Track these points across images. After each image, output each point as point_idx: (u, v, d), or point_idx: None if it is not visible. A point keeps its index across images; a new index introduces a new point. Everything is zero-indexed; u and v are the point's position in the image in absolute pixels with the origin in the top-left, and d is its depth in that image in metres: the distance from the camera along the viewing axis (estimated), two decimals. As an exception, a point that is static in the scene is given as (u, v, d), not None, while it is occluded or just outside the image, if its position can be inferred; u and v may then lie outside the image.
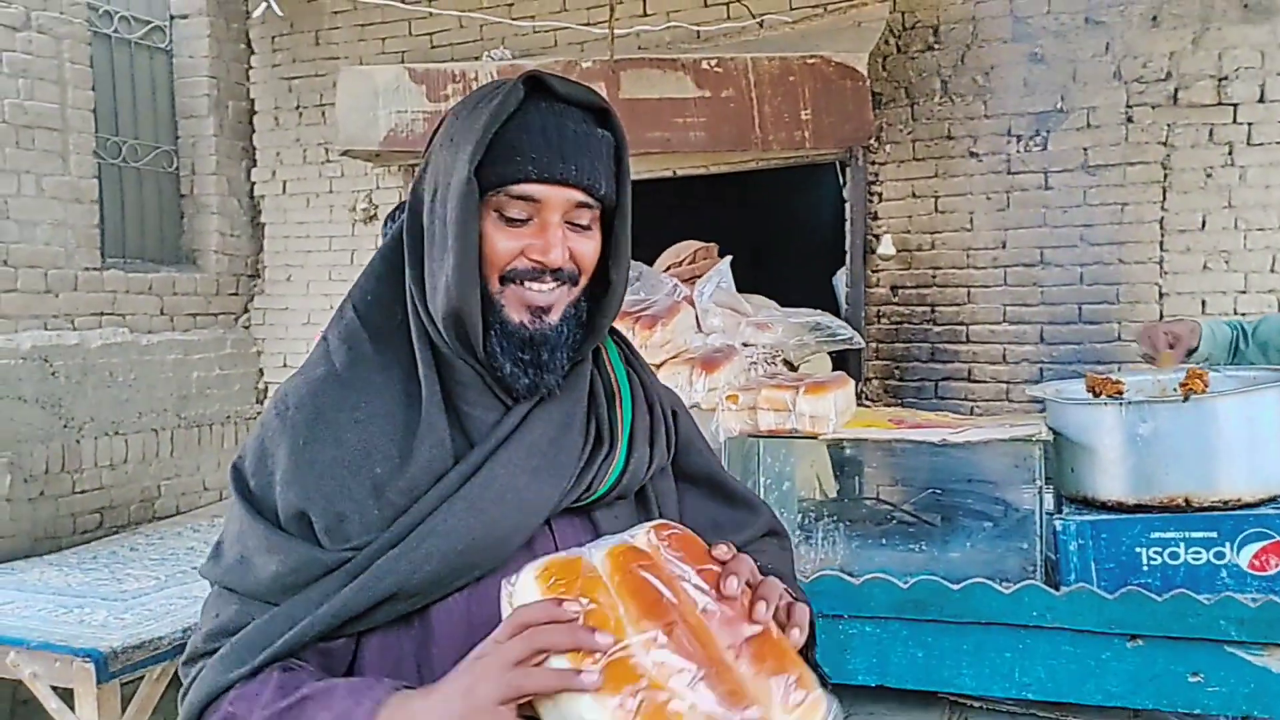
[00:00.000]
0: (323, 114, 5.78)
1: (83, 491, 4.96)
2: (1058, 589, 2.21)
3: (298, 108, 5.91)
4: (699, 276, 3.88)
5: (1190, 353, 2.63)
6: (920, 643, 2.29)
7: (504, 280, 1.17)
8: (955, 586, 2.23)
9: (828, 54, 4.33)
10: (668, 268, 4.07)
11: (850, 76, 4.33)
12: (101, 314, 5.19)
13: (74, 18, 5.03)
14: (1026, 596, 2.19)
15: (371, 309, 1.22)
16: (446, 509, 1.11)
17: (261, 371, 6.03)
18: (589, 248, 1.20)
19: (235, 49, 5.95)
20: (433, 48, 5.57)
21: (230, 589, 1.15)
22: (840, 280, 4.99)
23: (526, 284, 1.17)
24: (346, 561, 1.10)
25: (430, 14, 5.46)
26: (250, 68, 6.01)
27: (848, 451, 2.48)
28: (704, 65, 4.49)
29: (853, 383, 2.31)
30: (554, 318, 1.18)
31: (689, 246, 4.23)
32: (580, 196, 1.16)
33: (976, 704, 2.38)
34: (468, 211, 1.12)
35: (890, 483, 2.53)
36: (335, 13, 5.76)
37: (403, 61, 5.44)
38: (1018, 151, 4.53)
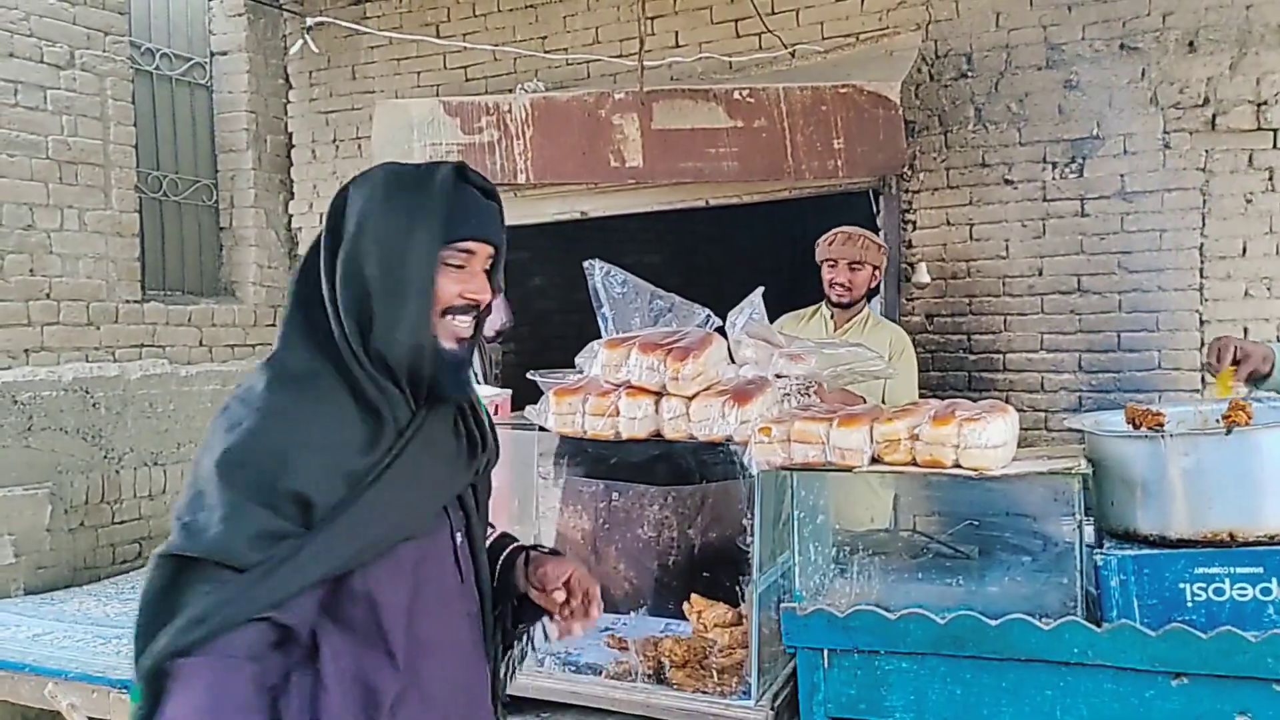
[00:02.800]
0: (359, 147, 5.85)
1: (122, 522, 5.01)
2: (1099, 625, 2.16)
3: (334, 141, 5.99)
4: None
5: (1261, 379, 2.55)
6: (959, 680, 2.25)
7: (442, 314, 1.52)
8: (994, 622, 2.18)
9: (860, 83, 4.32)
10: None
11: (883, 105, 4.32)
12: (141, 345, 5.26)
13: (117, 55, 5.14)
14: (1067, 633, 2.15)
15: (314, 342, 1.51)
16: (386, 486, 1.45)
17: (298, 401, 6.06)
18: (493, 288, 1.58)
19: (274, 84, 6.04)
20: (467, 81, 5.63)
21: (217, 562, 1.35)
22: (875, 308, 4.96)
23: (456, 318, 1.54)
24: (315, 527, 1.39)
25: (465, 48, 5.53)
26: (288, 102, 6.10)
27: (889, 484, 2.45)
28: (736, 95, 4.50)
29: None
30: (468, 342, 1.57)
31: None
32: (491, 250, 1.56)
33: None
34: (429, 266, 1.49)
35: (927, 516, 2.50)
36: (371, 47, 5.84)
37: (437, 94, 5.51)
38: (1053, 179, 4.49)
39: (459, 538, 1.61)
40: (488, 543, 1.75)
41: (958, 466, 2.21)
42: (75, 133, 4.93)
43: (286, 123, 6.10)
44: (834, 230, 3.95)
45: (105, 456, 4.91)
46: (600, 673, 2.56)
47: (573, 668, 2.58)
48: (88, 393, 4.83)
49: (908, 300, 4.75)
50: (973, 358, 4.64)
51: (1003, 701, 2.22)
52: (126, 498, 5.03)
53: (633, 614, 2.89)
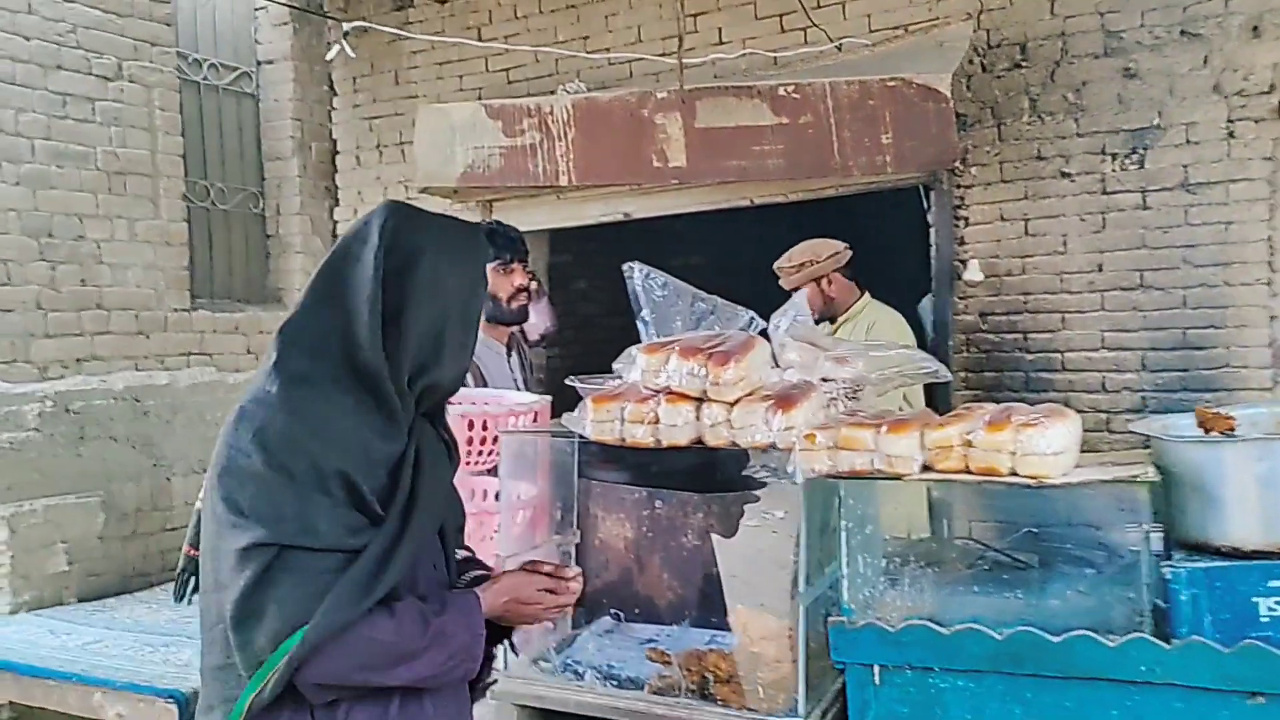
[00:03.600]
0: (402, 152, 5.84)
1: (173, 529, 5.03)
2: (1168, 642, 2.04)
3: (378, 146, 5.99)
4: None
5: None
6: (1018, 699, 2.14)
7: None
8: (1056, 639, 2.07)
9: (909, 75, 4.20)
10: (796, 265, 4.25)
11: (933, 98, 4.19)
12: (190, 354, 5.29)
13: (164, 66, 5.18)
14: (1134, 650, 2.03)
15: (315, 356, 1.63)
16: (419, 480, 1.61)
17: (346, 408, 6.07)
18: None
19: (318, 91, 6.06)
20: (509, 83, 5.59)
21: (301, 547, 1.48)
22: (926, 308, 4.84)
23: None
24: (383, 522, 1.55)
25: (506, 50, 5.49)
26: (333, 109, 6.12)
27: (935, 493, 2.34)
28: (781, 91, 4.40)
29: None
30: None
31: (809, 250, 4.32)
32: None
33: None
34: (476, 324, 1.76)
35: (983, 526, 2.39)
36: (414, 52, 5.83)
37: (480, 98, 5.47)
38: (1113, 170, 4.33)
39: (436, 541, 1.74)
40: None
41: (1014, 474, 2.10)
42: (124, 144, 4.97)
43: (331, 129, 6.11)
44: (778, 264, 4.31)
45: (155, 464, 4.94)
46: (642, 687, 2.48)
47: (614, 682, 2.51)
48: (138, 401, 4.86)
49: (960, 299, 4.61)
50: (1029, 357, 4.49)
51: (1066, 722, 2.11)
52: (177, 505, 5.04)
53: (676, 626, 2.81)
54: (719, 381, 2.34)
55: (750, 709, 2.38)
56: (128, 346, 4.98)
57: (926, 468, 2.18)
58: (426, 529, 1.64)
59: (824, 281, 4.25)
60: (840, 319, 4.28)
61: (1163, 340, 4.26)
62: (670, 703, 2.39)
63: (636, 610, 2.90)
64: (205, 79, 5.68)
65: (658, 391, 2.44)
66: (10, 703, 3.51)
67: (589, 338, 6.90)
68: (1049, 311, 4.46)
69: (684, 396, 2.40)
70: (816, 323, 3.87)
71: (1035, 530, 2.34)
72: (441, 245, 1.65)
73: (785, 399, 2.32)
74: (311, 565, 1.47)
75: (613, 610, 2.89)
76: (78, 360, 4.83)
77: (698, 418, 2.39)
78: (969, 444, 2.14)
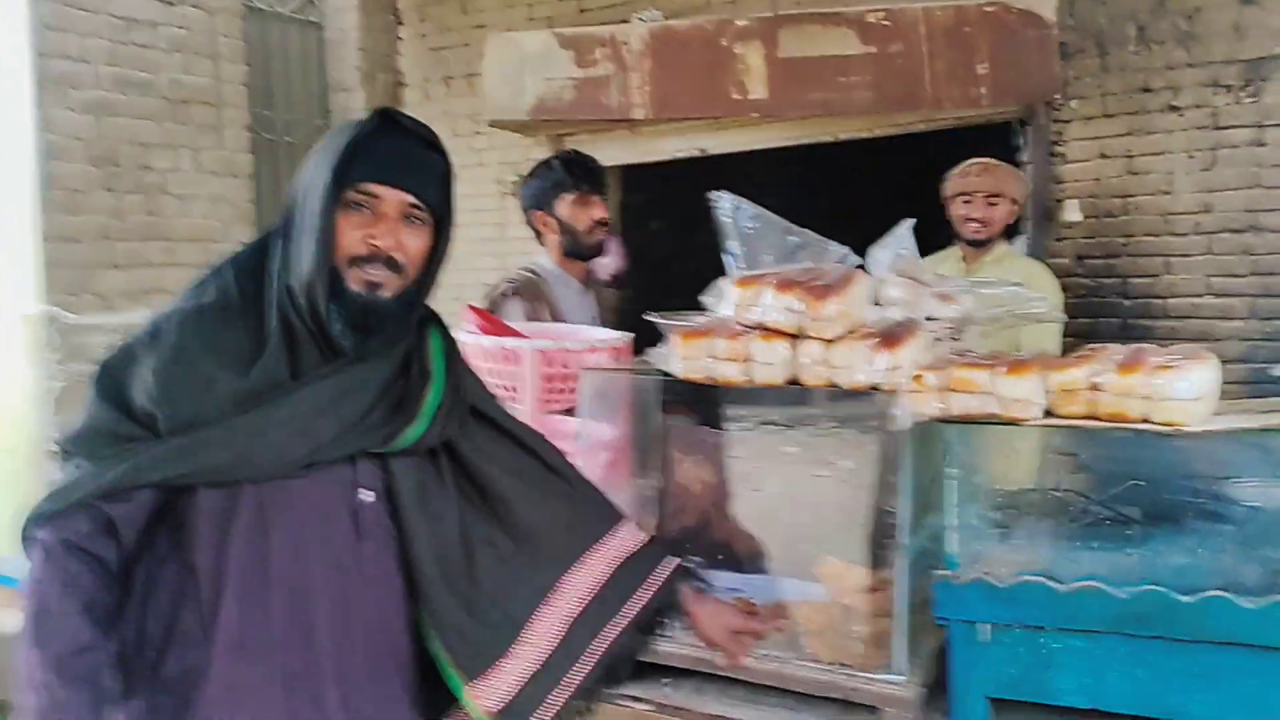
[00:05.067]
0: (470, 84, 5.68)
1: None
2: (1313, 605, 1.86)
3: (446, 79, 5.84)
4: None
5: None
6: (1142, 662, 1.97)
7: (351, 263, 1.54)
8: (1188, 599, 1.90)
9: (1009, 0, 3.93)
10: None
11: (1034, 24, 3.92)
12: (256, 288, 5.22)
13: (228, -9, 5.06)
14: (1277, 613, 1.85)
15: (244, 271, 1.58)
16: (244, 418, 1.48)
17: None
18: (418, 244, 1.59)
19: (384, 20, 5.91)
20: (581, 12, 5.40)
21: (69, 451, 1.51)
22: (1019, 249, 4.60)
23: (365, 267, 1.54)
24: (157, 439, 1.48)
25: (578, -24, 5.29)
26: (399, 39, 5.96)
27: (1056, 440, 2.17)
28: (870, 18, 4.15)
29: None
30: (385, 294, 1.56)
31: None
32: (411, 199, 1.56)
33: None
34: (328, 202, 1.51)
35: (1100, 477, 2.21)
36: (482, -20, 5.65)
37: (550, 27, 5.28)
38: (1226, 104, 4.04)
39: (366, 494, 1.59)
40: (634, 548, 1.89)
41: (1147, 421, 1.92)
42: (187, 71, 4.88)
43: (397, 60, 5.97)
44: (968, 161, 3.66)
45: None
46: (728, 638, 2.35)
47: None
48: (204, 335, 4.81)
49: (1055, 241, 4.37)
50: (1128, 303, 4.25)
51: (1194, 689, 1.94)
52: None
53: (757, 575, 2.68)
54: (818, 317, 2.17)
55: (844, 664, 2.25)
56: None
57: (1048, 413, 2.01)
58: (218, 464, 1.49)
59: (1018, 206, 3.65)
60: (983, 259, 3.70)
61: (1274, 286, 4.00)
62: (758, 655, 2.26)
63: (719, 558, 2.77)
64: (270, 6, 5.55)
65: (750, 327, 2.29)
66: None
67: (663, 280, 6.73)
68: (1151, 255, 4.21)
69: (779, 333, 2.23)
70: (979, 244, 3.59)
71: (1165, 486, 2.16)
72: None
73: (890, 337, 2.15)
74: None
75: (693, 557, 2.77)
76: (145, 293, 4.78)
77: (793, 355, 2.23)
78: (1096, 388, 1.96)
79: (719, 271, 2.55)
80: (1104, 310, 4.28)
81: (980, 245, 3.61)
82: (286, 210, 1.60)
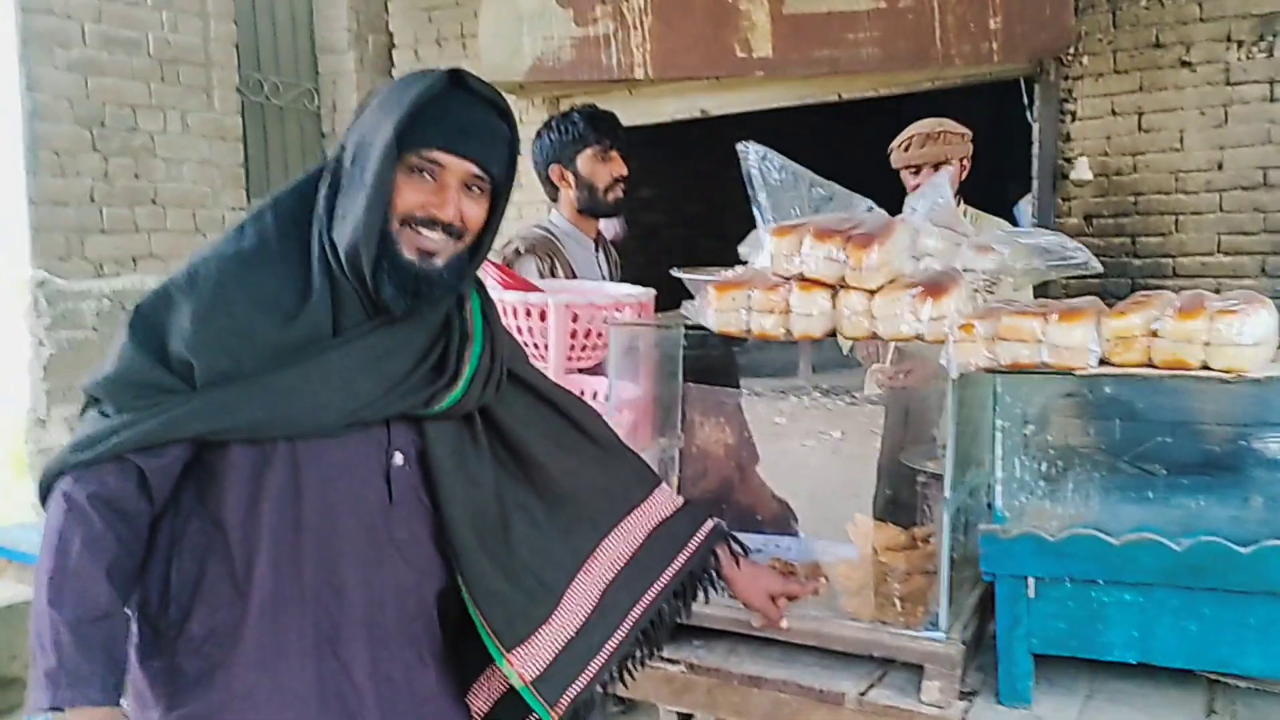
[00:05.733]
0: (464, 45, 5.56)
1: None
2: (1370, 556, 1.82)
3: (438, 40, 5.71)
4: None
5: None
6: (1194, 615, 1.93)
7: (403, 223, 1.46)
8: (1245, 550, 1.86)
9: (1021, -47, 3.88)
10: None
11: (1047, -23, 3.87)
12: (248, 253, 5.11)
13: (215, -52, 4.91)
14: (1336, 564, 1.82)
15: (285, 217, 1.50)
16: (284, 374, 1.42)
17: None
18: (477, 212, 1.51)
19: (375, -21, 5.77)
20: (578, -30, 5.27)
21: (97, 399, 1.45)
22: (1024, 209, 4.56)
23: (420, 230, 1.46)
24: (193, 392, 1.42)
25: (575, -67, 5.16)
26: (389, -1, 5.83)
27: (1108, 390, 2.13)
28: (879, -28, 4.09)
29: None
30: (438, 261, 1.48)
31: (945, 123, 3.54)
32: (476, 170, 1.48)
33: (1244, 684, 2.02)
34: (386, 163, 1.41)
35: (1152, 427, 2.17)
36: (475, -63, 5.51)
37: (547, -15, 5.16)
38: (1239, 59, 4.01)
39: (398, 457, 1.53)
40: (670, 512, 1.86)
41: (1206, 368, 1.87)
42: (175, 29, 4.73)
43: (388, 21, 5.83)
44: (907, 132, 3.50)
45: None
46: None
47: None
48: (196, 302, 4.70)
49: (1064, 200, 4.33)
50: (1138, 262, 4.22)
51: (1248, 641, 1.91)
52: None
53: (792, 538, 2.63)
54: (860, 267, 2.10)
55: (884, 622, 2.21)
56: (185, 245, 4.80)
57: (1103, 362, 1.96)
58: (254, 421, 1.43)
59: (962, 163, 3.52)
60: None
61: (1286, 244, 3.98)
62: (796, 615, 2.21)
63: (740, 521, 2.73)
64: (257, -35, 5.41)
65: (788, 278, 2.22)
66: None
67: (652, 248, 6.67)
68: (1161, 213, 4.18)
69: (819, 284, 2.17)
70: None
71: (1219, 436, 2.12)
72: (384, 87, 1.54)
73: (935, 286, 2.09)
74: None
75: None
76: (134, 258, 4.66)
77: (834, 307, 2.17)
78: (1154, 334, 1.91)
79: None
80: (1113, 270, 4.25)
81: None
82: (336, 158, 1.51)
